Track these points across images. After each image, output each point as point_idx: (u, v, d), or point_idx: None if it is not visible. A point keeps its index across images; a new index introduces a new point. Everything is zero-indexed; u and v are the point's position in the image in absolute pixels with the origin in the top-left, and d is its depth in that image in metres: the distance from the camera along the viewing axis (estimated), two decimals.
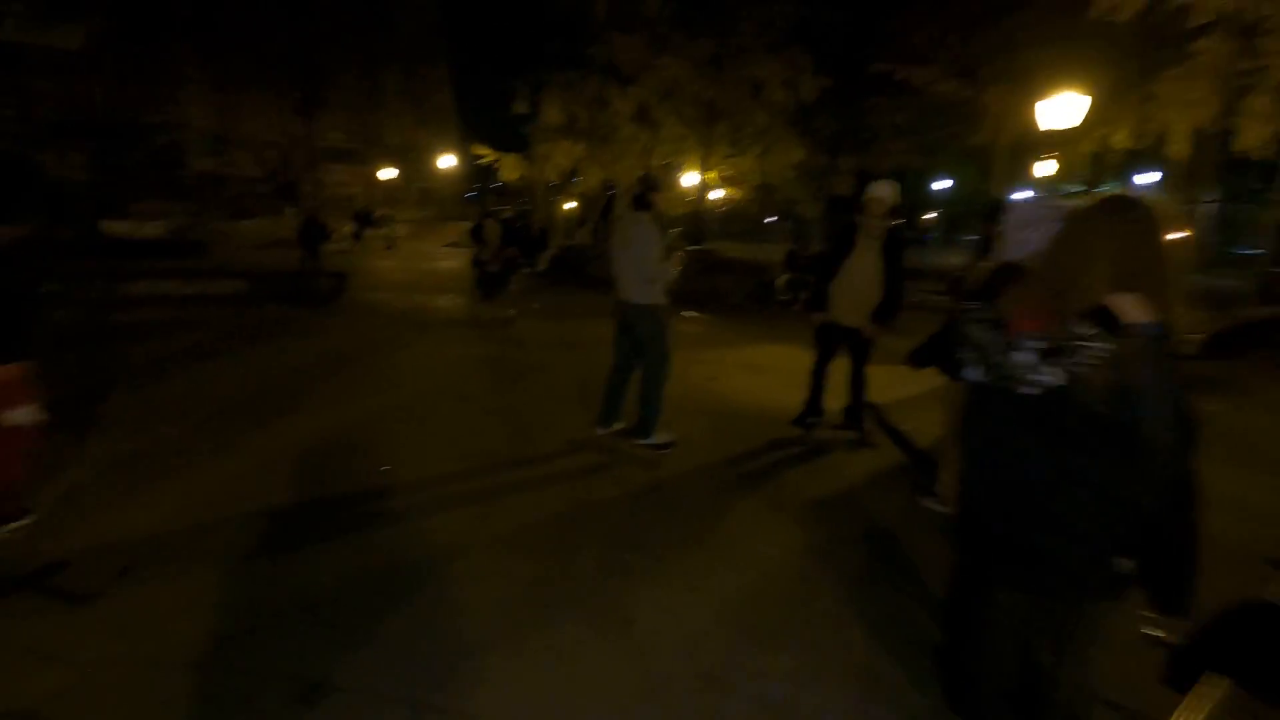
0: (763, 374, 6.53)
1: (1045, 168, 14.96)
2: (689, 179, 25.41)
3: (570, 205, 31.87)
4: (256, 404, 4.95)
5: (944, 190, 33.45)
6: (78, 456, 3.74)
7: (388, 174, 27.37)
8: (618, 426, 4.34)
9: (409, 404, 5.16)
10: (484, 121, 32.40)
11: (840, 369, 4.66)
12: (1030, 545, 1.55)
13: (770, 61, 19.13)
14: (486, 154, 26.96)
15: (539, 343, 7.84)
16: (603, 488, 3.67)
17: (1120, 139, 14.79)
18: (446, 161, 32.45)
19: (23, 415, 2.63)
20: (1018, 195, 23.51)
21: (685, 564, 2.91)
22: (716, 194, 26.59)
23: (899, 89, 19.82)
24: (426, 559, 2.85)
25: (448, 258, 20.95)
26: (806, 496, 3.71)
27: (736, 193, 27.92)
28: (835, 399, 4.76)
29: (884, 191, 4.34)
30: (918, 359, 3.62)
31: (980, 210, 4.79)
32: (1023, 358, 1.48)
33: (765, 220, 32.89)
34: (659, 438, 4.13)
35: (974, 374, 1.62)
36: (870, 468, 4.21)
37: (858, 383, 4.51)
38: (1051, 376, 1.45)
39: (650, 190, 3.94)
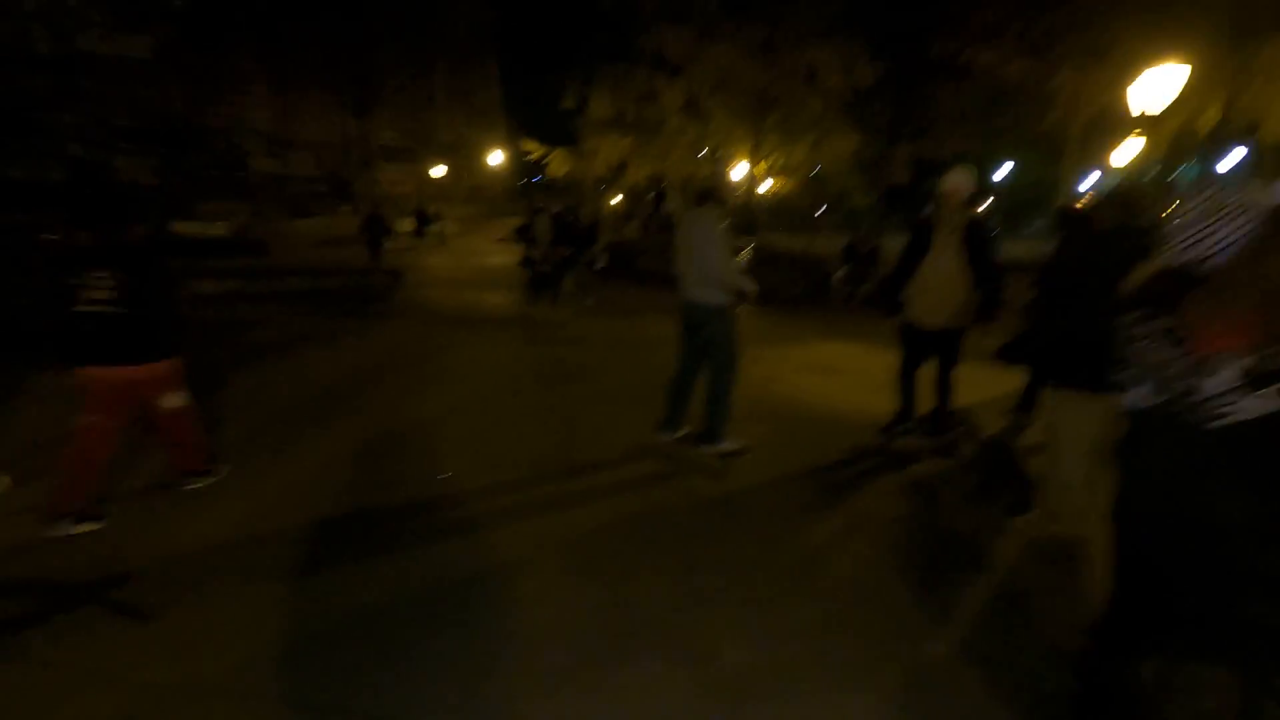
0: (829, 375, 6.21)
1: (1126, 151, 14.03)
2: (738, 170, 25.00)
3: (616, 200, 31.77)
4: (315, 405, 4.92)
5: (1003, 177, 32.04)
6: (141, 462, 3.74)
7: (439, 171, 27.69)
8: (682, 432, 4.13)
9: (465, 405, 5.06)
10: (532, 117, 32.52)
11: (927, 373, 4.34)
12: (1225, 609, 1.28)
13: (825, 46, 18.51)
14: (535, 149, 27.07)
15: (593, 341, 7.68)
16: (670, 499, 3.47)
17: (1208, 119, 13.77)
18: (495, 158, 32.69)
19: (178, 400, 3.25)
20: (1090, 181, 22.28)
21: (765, 589, 2.69)
22: (764, 185, 26.06)
23: (961, 72, 18.97)
24: (489, 578, 2.71)
25: (497, 254, 21.04)
26: (888, 513, 3.43)
27: (786, 184, 27.33)
28: (919, 405, 4.45)
29: (959, 180, 4.00)
30: (1009, 355, 3.31)
31: (1051, 206, 4.44)
32: (1218, 382, 1.20)
33: (816, 212, 32.13)
34: (727, 445, 3.90)
35: (1141, 397, 1.34)
36: (957, 481, 3.89)
37: (944, 388, 4.19)
38: (1259, 404, 1.17)
39: (714, 185, 3.71)
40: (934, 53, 18.67)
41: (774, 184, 26.26)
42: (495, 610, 2.50)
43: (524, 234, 9.60)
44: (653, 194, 25.85)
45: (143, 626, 2.36)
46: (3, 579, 2.63)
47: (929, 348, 4.23)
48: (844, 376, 6.15)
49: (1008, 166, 30.28)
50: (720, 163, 24.41)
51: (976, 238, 3.96)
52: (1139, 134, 13.59)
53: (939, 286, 4.04)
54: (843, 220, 27.55)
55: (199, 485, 3.38)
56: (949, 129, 21.02)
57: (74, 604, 2.47)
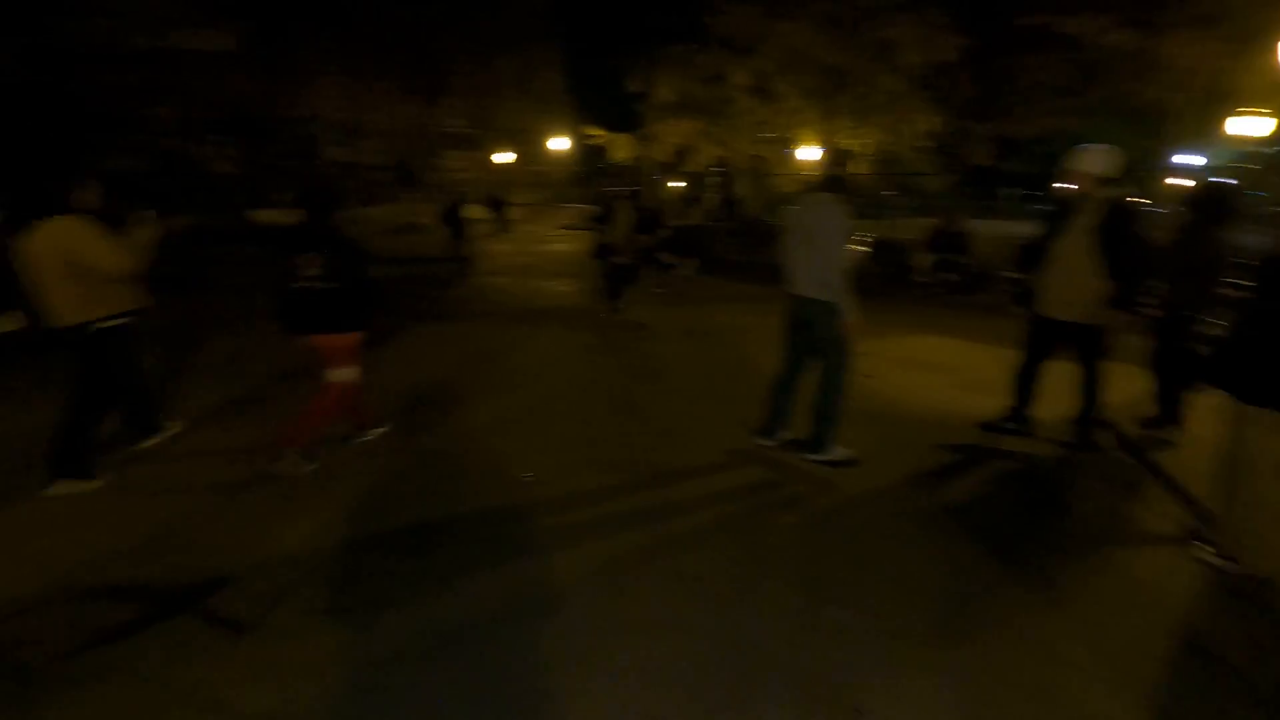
0: (929, 372, 5.77)
1: (1244, 124, 12.76)
2: (806, 153, 24.17)
3: (676, 185, 31.26)
4: (392, 402, 4.83)
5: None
6: (231, 460, 3.70)
7: (503, 158, 27.84)
8: (785, 437, 3.83)
9: (546, 400, 4.88)
10: (594, 102, 32.29)
11: (1058, 373, 3.91)
12: None
13: (902, 20, 17.54)
14: (597, 135, 26.89)
15: (668, 332, 7.37)
16: (777, 513, 3.19)
17: None
18: (557, 144, 32.65)
19: (348, 374, 3.50)
20: (1190, 159, 20.55)
21: (904, 626, 2.38)
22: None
23: (1053, 44, 17.69)
24: (582, 598, 2.50)
25: (561, 240, 20.97)
26: (1034, 537, 3.05)
27: (854, 166, 26.31)
28: (1047, 407, 4.02)
29: (1092, 158, 3.60)
30: (1211, 375, 2.75)
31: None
32: None
33: (885, 193, 30.86)
34: (835, 453, 3.59)
35: None
36: (1108, 500, 3.46)
37: (1089, 390, 3.77)
38: None
39: (838, 167, 3.35)
40: (1021, 24, 17.44)
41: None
42: (593, 640, 2.28)
43: (601, 222, 8.75)
44: (719, 178, 25.29)
45: (238, 640, 2.25)
46: (105, 581, 2.58)
47: (1058, 343, 3.83)
48: (946, 373, 5.70)
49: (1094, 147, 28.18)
50: (785, 144, 23.73)
51: (1116, 223, 3.51)
52: (1257, 112, 12.39)
53: (1067, 275, 3.69)
54: (913, 204, 26.27)
55: (286, 466, 3.50)
56: (1036, 105, 19.65)
57: (172, 610, 2.39)
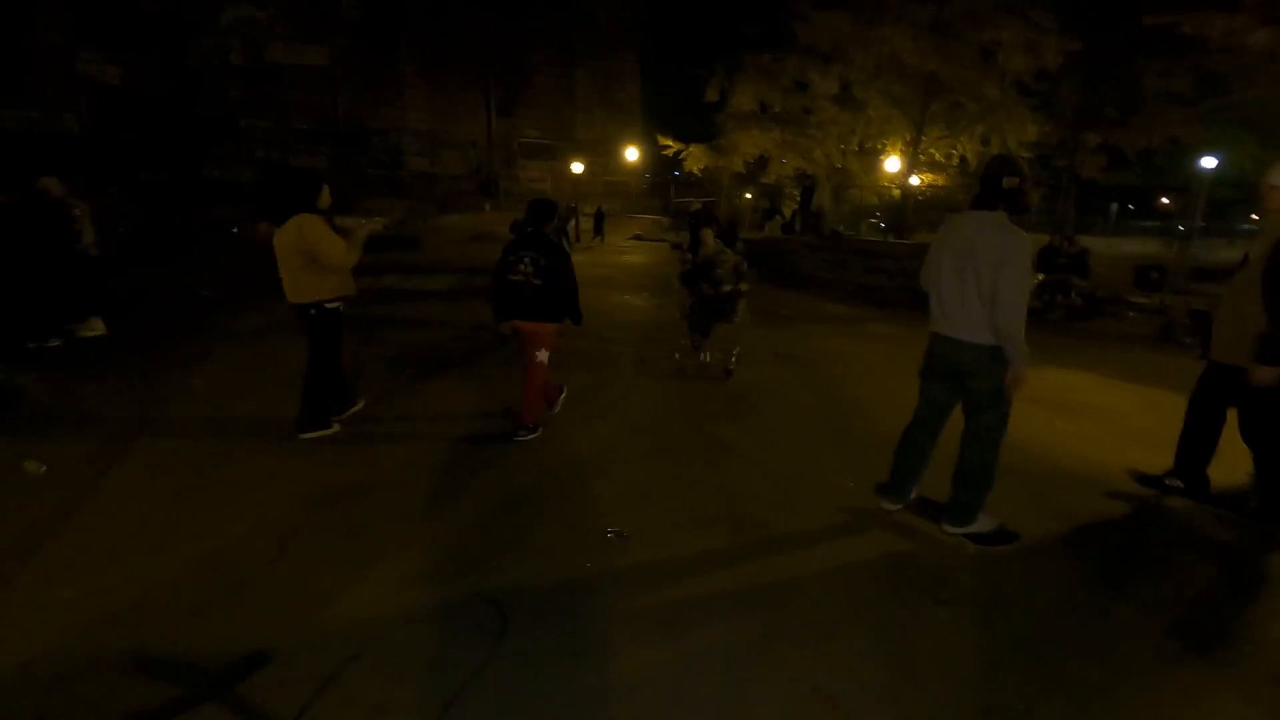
0: (1065, 415, 5.00)
1: None
2: (891, 164, 23.09)
3: (748, 196, 30.54)
4: (468, 430, 4.48)
5: (1210, 169, 27.31)
6: (294, 497, 3.40)
7: (578, 168, 27.88)
8: (911, 499, 3.24)
9: (632, 433, 4.43)
10: (669, 111, 32.02)
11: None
12: None
13: (1007, 23, 16.37)
14: (672, 145, 26.53)
15: (755, 356, 6.77)
16: (923, 603, 2.58)
17: None
18: (632, 154, 32.51)
19: (545, 356, 4.15)
20: None
21: None
22: (913, 180, 23.92)
23: (1177, 46, 16.15)
24: (693, 710, 1.99)
25: (634, 251, 20.66)
26: (1266, 652, 2.36)
27: (938, 178, 24.97)
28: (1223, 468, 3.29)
29: None
30: None
31: None
32: None
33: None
34: (985, 525, 2.96)
35: None
36: None
37: (1269, 450, 3.10)
38: None
39: (1008, 176, 2.73)
40: (1145, 24, 15.98)
41: (922, 179, 24.06)
42: None
43: (687, 245, 7.50)
44: (800, 190, 24.48)
45: None
46: (142, 642, 2.26)
47: (1232, 392, 3.17)
48: (1084, 417, 4.93)
49: (1210, 159, 25.75)
50: (870, 154, 22.70)
51: None
52: None
53: (1235, 310, 3.11)
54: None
55: (528, 439, 4.14)
56: (1159, 113, 17.98)
57: (198, 697, 2.03)
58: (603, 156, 35.72)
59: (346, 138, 29.61)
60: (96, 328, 6.98)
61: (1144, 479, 3.68)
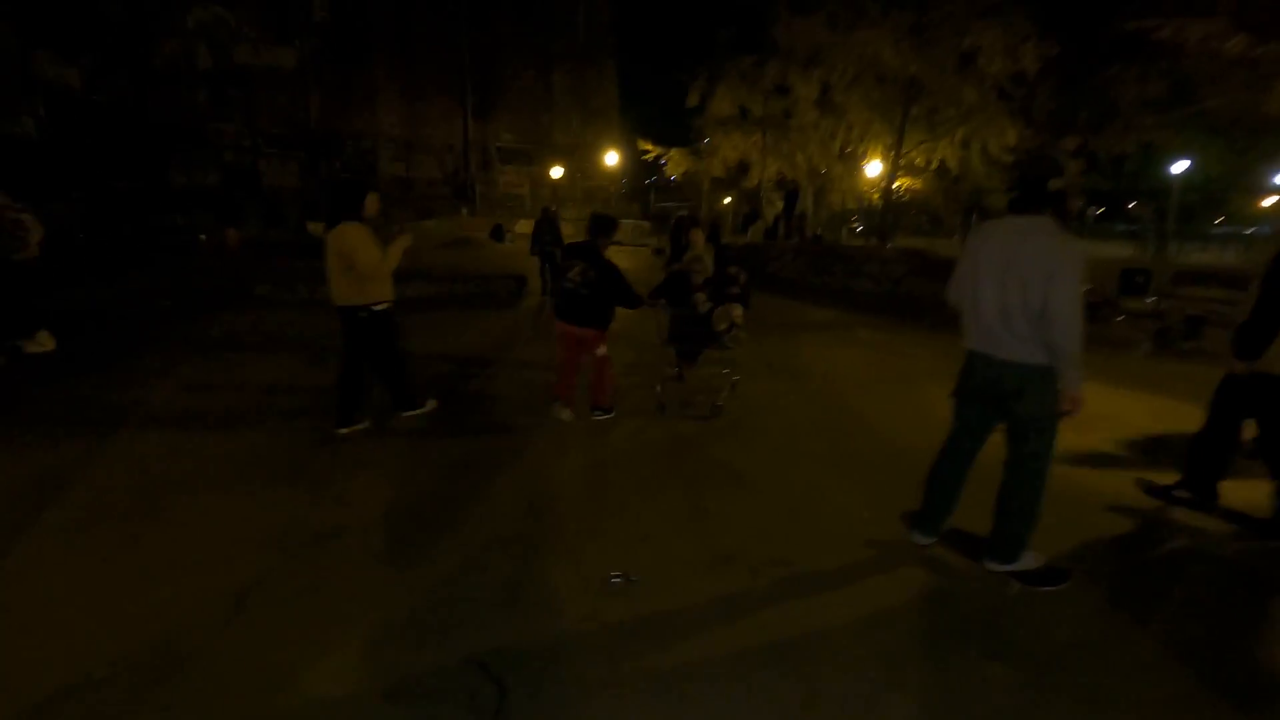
0: (1077, 427, 4.77)
1: None
2: (873, 168, 23.08)
3: (727, 201, 30.41)
4: (451, 458, 4.13)
5: (1178, 173, 27.74)
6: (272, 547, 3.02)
7: (557, 173, 27.52)
8: (943, 530, 2.96)
9: (630, 456, 4.11)
10: (647, 117, 31.82)
11: None
12: None
13: (987, 28, 16.38)
14: (652, 149, 26.32)
15: (753, 368, 6.48)
16: (971, 655, 2.29)
17: None
18: (611, 159, 32.25)
19: (604, 349, 4.56)
20: None
21: None
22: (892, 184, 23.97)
23: (1150, 52, 16.31)
24: None
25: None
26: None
27: (916, 183, 25.06)
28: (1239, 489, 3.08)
29: None
30: None
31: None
32: None
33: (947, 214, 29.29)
34: (1029, 561, 2.69)
35: None
36: None
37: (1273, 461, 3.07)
38: None
39: (1047, 177, 2.47)
40: (1115, 32, 16.13)
41: (901, 183, 24.13)
42: None
43: (672, 251, 6.34)
44: (784, 195, 24.36)
45: None
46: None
47: (1252, 402, 3.16)
48: (1097, 428, 4.70)
49: (1180, 163, 26.16)
50: (851, 158, 22.66)
51: None
52: None
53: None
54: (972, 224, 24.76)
55: (604, 419, 4.65)
56: (1134, 118, 18.14)
57: None
58: (581, 161, 35.43)
59: (319, 143, 28.91)
60: (45, 343, 6.49)
61: (1152, 490, 3.58)
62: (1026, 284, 2.38)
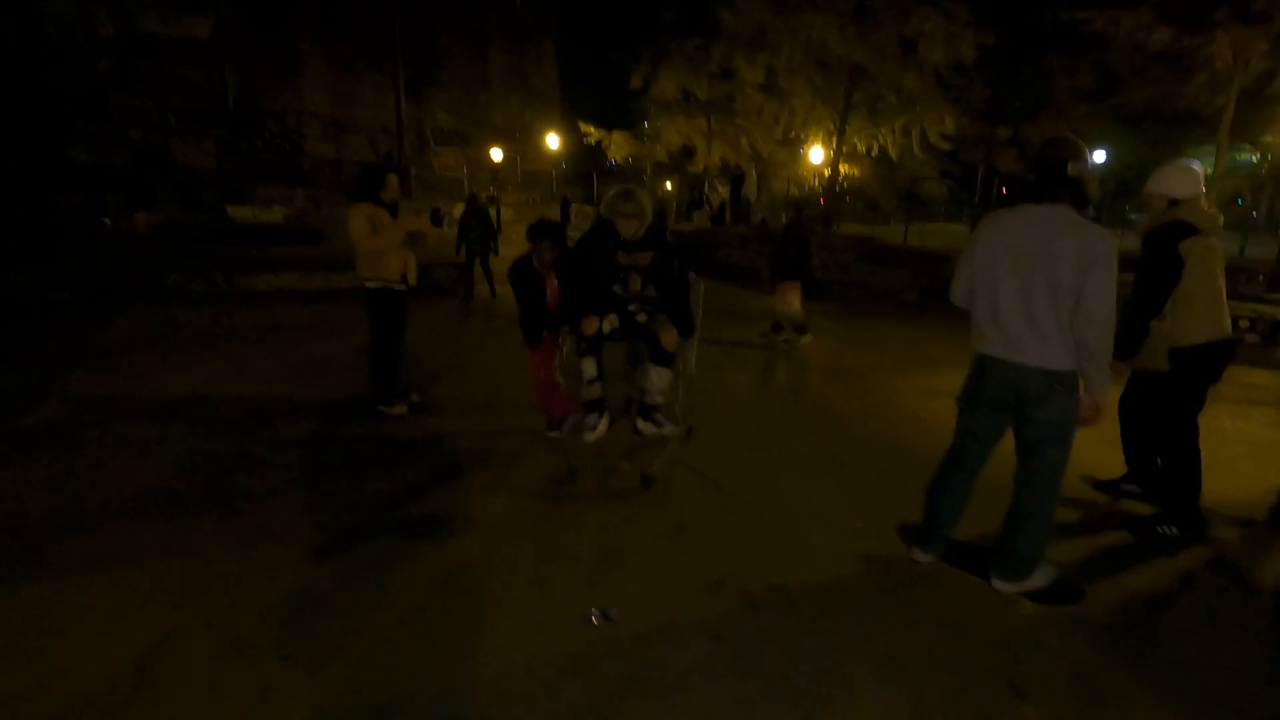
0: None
1: None
2: (815, 154, 23.24)
3: (669, 186, 30.17)
4: (390, 484, 3.70)
5: (1102, 162, 29.08)
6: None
7: (497, 155, 26.61)
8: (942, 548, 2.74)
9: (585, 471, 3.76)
10: (590, 98, 31.17)
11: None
12: None
13: (927, 14, 16.57)
14: (593, 133, 25.76)
15: (714, 360, 6.20)
16: (1004, 699, 2.05)
17: None
18: (553, 142, 31.46)
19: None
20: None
21: None
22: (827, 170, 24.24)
23: (1082, 43, 16.85)
24: None
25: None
26: None
27: (855, 169, 25.43)
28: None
29: (1159, 177, 3.03)
30: None
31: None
32: None
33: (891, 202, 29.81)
34: (1041, 578, 2.49)
35: None
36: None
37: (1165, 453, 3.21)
38: None
39: (1067, 160, 2.24)
40: (1051, 20, 16.58)
41: (842, 169, 24.43)
42: None
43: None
44: (729, 180, 24.24)
45: None
46: None
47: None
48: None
49: (1100, 153, 27.38)
50: (795, 144, 22.70)
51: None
52: None
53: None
54: (910, 210, 25.38)
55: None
56: (1066, 108, 18.78)
57: None
58: (521, 144, 34.43)
59: (237, 120, 27.02)
60: None
61: (1099, 485, 3.56)
62: (1057, 281, 2.15)
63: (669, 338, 3.42)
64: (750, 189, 23.78)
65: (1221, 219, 3.02)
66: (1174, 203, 2.95)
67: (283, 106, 28.63)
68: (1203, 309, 2.89)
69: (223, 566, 2.64)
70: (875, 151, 21.85)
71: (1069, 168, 2.22)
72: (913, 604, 2.50)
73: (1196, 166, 3.00)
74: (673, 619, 2.38)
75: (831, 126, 20.19)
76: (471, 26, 32.67)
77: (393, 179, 4.26)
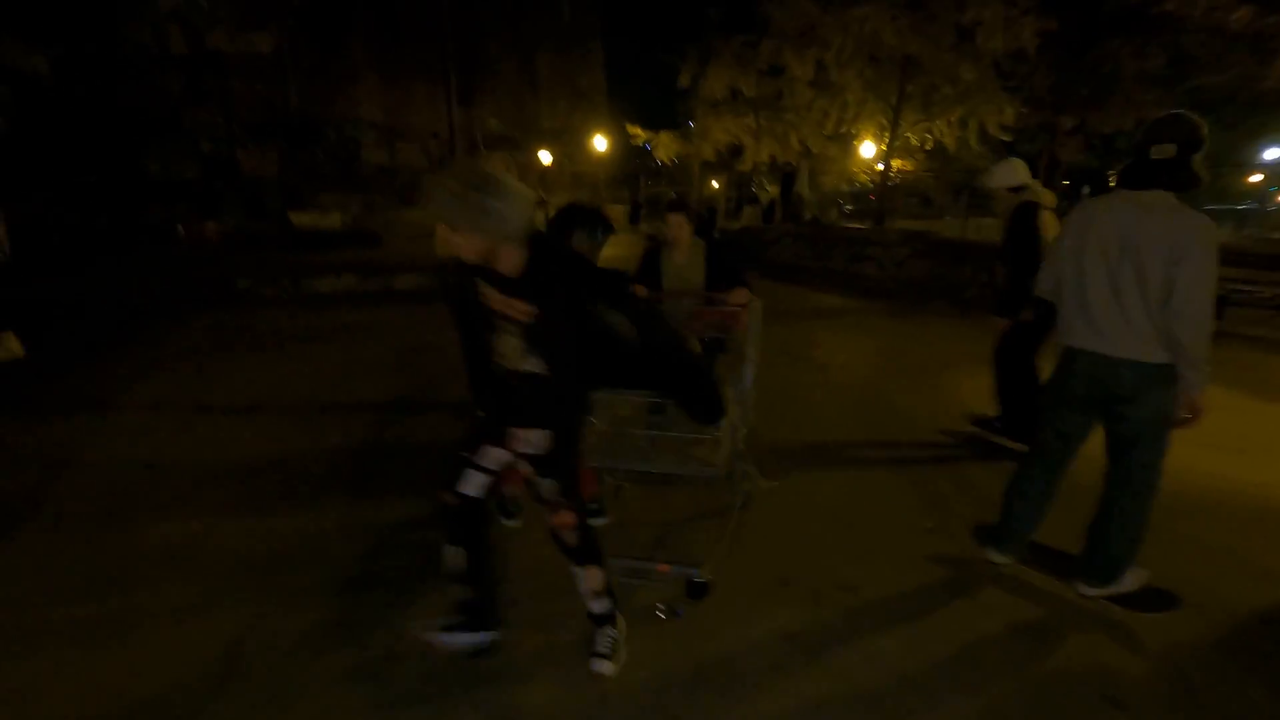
0: None
1: None
2: (867, 149, 22.76)
3: (716, 185, 29.95)
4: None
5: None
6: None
7: (546, 158, 26.96)
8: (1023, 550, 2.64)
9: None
10: (636, 99, 31.26)
11: None
12: None
13: (986, 1, 15.97)
14: (640, 134, 25.81)
15: (767, 358, 6.13)
16: (1099, 712, 1.96)
17: None
18: (600, 143, 31.68)
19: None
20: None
21: None
22: (880, 165, 23.64)
23: (1153, 26, 16.02)
24: None
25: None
26: None
27: (909, 164, 24.75)
28: None
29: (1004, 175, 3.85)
30: None
31: None
32: None
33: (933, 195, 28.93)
34: (1129, 582, 2.37)
35: None
36: None
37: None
38: None
39: (1156, 144, 2.12)
40: (1119, 2, 15.83)
41: (894, 164, 23.80)
42: None
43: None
44: (780, 177, 23.94)
45: None
46: None
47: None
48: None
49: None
50: (846, 139, 22.27)
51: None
52: None
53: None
54: (970, 204, 24.54)
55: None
56: (1134, 94, 17.85)
57: None
58: (568, 146, 34.79)
59: (298, 130, 28.09)
60: (10, 347, 6.05)
61: (976, 420, 4.19)
62: (1146, 269, 2.04)
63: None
64: (802, 185, 23.41)
65: (1055, 197, 3.81)
66: (1018, 189, 3.75)
67: (340, 116, 29.66)
68: None
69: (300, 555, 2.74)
70: (930, 144, 21.24)
71: (1151, 151, 2.09)
72: (988, 606, 2.41)
73: (1017, 160, 3.89)
74: (739, 615, 2.36)
75: (884, 120, 19.71)
76: (520, 32, 33.21)
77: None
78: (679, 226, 3.27)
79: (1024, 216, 3.61)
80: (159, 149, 24.71)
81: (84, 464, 3.65)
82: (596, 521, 2.57)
